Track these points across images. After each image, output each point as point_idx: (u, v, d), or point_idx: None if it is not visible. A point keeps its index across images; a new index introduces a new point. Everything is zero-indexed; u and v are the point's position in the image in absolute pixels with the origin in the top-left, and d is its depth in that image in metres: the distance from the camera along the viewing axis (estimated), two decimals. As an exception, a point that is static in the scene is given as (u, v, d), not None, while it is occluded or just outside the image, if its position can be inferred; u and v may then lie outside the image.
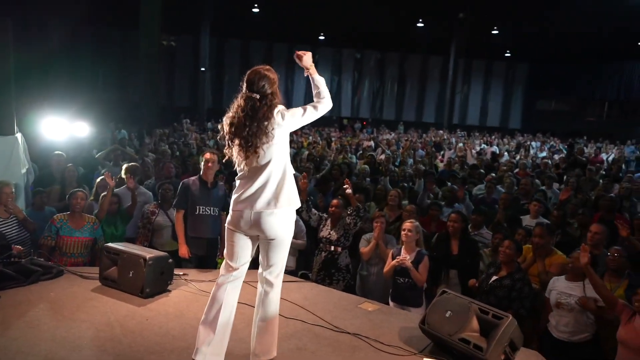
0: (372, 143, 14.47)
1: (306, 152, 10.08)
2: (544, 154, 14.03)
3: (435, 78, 27.77)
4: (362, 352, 2.96)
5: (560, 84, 27.28)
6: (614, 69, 25.97)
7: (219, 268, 4.59)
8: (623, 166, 11.65)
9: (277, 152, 2.57)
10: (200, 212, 4.39)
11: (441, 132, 20.34)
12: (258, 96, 2.53)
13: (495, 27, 21.51)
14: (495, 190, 6.78)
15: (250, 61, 25.86)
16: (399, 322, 3.42)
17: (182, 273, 4.05)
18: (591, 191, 7.27)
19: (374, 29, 22.52)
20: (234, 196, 2.67)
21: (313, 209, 4.92)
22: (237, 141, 2.54)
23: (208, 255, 4.50)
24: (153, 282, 3.60)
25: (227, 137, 2.59)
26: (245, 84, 2.58)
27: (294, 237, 4.77)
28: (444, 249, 4.49)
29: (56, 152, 6.20)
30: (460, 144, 14.62)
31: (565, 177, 8.27)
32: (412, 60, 28.03)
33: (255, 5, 20.24)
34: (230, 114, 2.58)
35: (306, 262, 5.20)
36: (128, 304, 3.45)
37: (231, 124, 2.55)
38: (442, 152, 13.25)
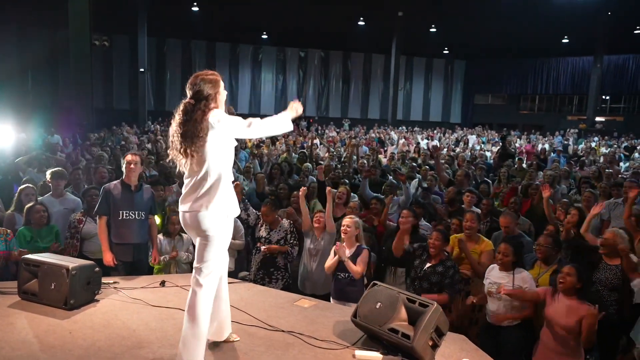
0: (317, 141, 14.53)
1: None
2: (479, 147, 14.68)
3: (378, 75, 28.37)
4: (296, 348, 2.95)
5: (495, 80, 28.74)
6: (542, 65, 27.63)
7: (155, 274, 4.47)
8: (552, 154, 12.40)
9: (211, 156, 2.62)
10: (124, 217, 4.20)
11: (383, 129, 20.81)
12: (193, 101, 2.62)
13: (433, 26, 22.21)
14: (436, 183, 6.95)
15: (193, 61, 25.27)
16: (334, 316, 3.43)
17: (112, 281, 3.88)
18: (522, 180, 7.66)
19: (317, 28, 22.64)
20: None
21: (251, 208, 4.88)
22: (176, 144, 2.65)
23: (136, 261, 4.30)
24: (78, 293, 3.41)
25: (170, 139, 2.71)
26: (187, 89, 2.69)
27: (232, 237, 4.77)
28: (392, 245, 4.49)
29: None
30: (402, 140, 15.00)
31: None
32: (355, 58, 28.46)
33: (195, 3, 19.77)
34: (175, 117, 2.70)
35: (245, 261, 5.14)
36: (50, 317, 3.24)
37: (172, 127, 2.69)
38: (385, 148, 13.52)
